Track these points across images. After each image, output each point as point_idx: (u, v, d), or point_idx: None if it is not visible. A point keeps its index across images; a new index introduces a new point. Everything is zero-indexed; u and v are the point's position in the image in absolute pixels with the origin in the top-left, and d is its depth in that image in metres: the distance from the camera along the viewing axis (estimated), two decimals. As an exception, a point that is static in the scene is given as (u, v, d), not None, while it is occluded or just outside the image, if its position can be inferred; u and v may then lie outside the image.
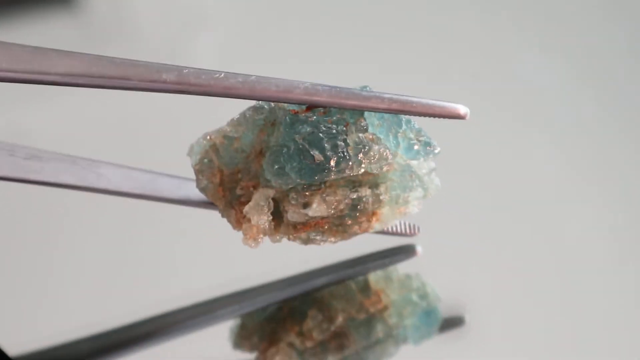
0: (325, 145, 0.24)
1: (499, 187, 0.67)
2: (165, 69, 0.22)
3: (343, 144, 0.25)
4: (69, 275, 0.59)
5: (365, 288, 0.28)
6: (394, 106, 0.24)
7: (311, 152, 0.24)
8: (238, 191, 0.25)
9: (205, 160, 0.25)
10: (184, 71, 0.23)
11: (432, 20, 0.74)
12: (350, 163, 0.24)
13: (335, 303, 0.27)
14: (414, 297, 0.27)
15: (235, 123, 0.26)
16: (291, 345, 0.27)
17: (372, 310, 0.27)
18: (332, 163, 0.24)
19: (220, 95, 0.24)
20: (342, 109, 0.24)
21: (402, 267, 0.28)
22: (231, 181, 0.26)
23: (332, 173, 0.24)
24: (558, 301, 0.64)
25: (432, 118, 0.26)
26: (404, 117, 0.26)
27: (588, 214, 0.68)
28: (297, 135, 0.24)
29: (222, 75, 0.23)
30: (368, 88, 0.25)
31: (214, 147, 0.25)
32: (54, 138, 0.63)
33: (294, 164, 0.24)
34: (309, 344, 0.27)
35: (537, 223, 0.67)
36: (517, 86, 0.72)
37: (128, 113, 0.63)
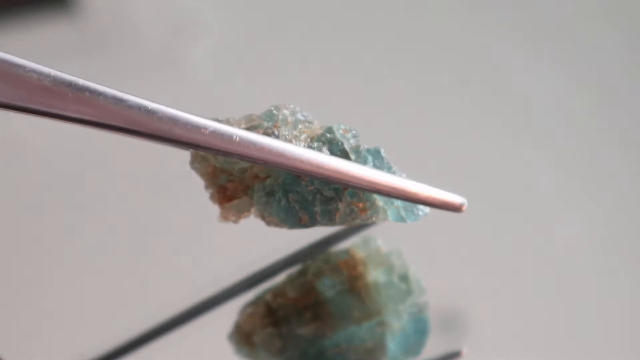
0: (316, 209, 0.25)
1: (492, 190, 0.68)
2: (179, 121, 0.22)
3: (333, 209, 0.25)
4: (69, 284, 0.60)
5: (344, 252, 0.28)
6: (392, 192, 0.24)
7: (299, 214, 0.25)
8: (227, 185, 0.26)
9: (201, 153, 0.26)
10: (203, 130, 0.22)
11: (426, 25, 0.75)
12: (335, 223, 0.25)
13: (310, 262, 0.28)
14: (395, 279, 0.27)
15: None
16: (267, 305, 0.28)
17: (346, 272, 0.27)
18: (317, 220, 0.25)
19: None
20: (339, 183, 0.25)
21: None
22: (223, 178, 0.26)
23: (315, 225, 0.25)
24: (550, 303, 0.64)
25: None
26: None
27: (580, 217, 0.69)
28: (291, 195, 0.25)
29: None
30: (382, 151, 0.25)
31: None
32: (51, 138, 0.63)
33: (281, 214, 0.25)
34: (281, 300, 0.27)
35: (530, 225, 0.67)
36: (511, 91, 0.73)
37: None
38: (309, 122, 0.26)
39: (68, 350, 0.51)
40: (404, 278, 0.28)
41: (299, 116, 0.26)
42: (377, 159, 0.25)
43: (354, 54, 0.72)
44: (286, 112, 0.25)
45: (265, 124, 0.25)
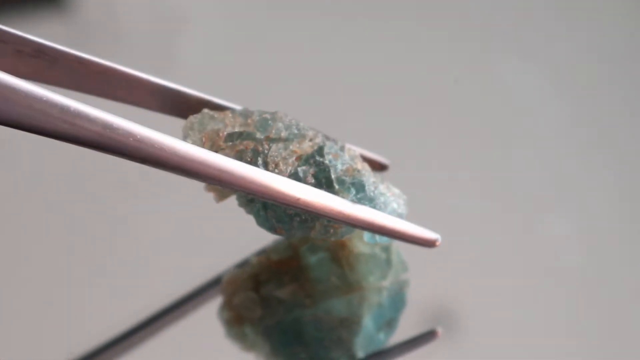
0: (294, 224, 0.25)
1: (482, 189, 0.68)
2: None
3: (309, 227, 0.26)
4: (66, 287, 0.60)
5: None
6: (367, 226, 0.25)
7: (276, 226, 0.26)
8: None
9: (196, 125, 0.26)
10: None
11: (415, 25, 0.75)
12: (310, 236, 0.26)
13: None
14: (377, 250, 0.28)
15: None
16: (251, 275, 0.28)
17: (331, 240, 0.28)
18: (293, 235, 0.25)
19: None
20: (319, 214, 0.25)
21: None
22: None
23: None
24: (542, 301, 0.64)
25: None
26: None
27: (571, 216, 0.69)
28: (269, 211, 0.25)
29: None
30: (366, 185, 0.26)
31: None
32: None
33: (258, 220, 0.25)
34: (264, 263, 0.28)
35: (520, 224, 0.68)
36: (498, 91, 0.73)
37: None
38: (302, 137, 0.26)
39: (58, 349, 0.51)
40: (386, 250, 0.28)
41: (294, 130, 0.26)
42: (360, 192, 0.25)
43: (344, 49, 0.73)
44: (281, 125, 0.25)
45: (258, 135, 0.25)
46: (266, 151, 0.25)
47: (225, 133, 0.25)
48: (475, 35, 0.75)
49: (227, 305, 0.28)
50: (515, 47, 0.75)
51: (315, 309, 0.27)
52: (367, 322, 0.27)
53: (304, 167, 0.25)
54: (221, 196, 0.26)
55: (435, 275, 0.60)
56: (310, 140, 0.26)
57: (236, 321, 0.28)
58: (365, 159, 0.28)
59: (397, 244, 0.28)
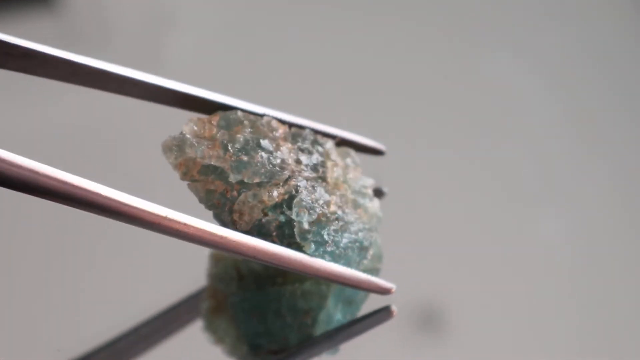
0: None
1: (474, 187, 0.68)
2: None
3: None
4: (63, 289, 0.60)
5: None
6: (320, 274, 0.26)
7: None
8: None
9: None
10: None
11: (408, 24, 0.75)
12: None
13: None
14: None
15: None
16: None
17: None
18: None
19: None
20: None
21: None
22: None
23: None
24: (533, 299, 0.65)
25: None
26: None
27: (563, 214, 0.69)
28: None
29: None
30: (325, 235, 0.26)
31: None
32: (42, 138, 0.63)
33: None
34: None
35: (513, 222, 0.68)
36: (489, 87, 0.73)
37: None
38: (278, 176, 0.26)
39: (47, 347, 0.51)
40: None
41: (273, 162, 0.26)
42: (320, 248, 0.26)
43: (334, 49, 0.73)
44: (260, 162, 0.26)
45: (231, 178, 0.26)
46: (234, 199, 0.25)
47: (201, 164, 0.26)
48: (468, 31, 0.75)
49: (208, 292, 0.29)
50: (508, 44, 0.75)
51: (286, 285, 0.28)
52: (331, 301, 0.28)
53: (269, 217, 0.26)
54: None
55: (423, 275, 0.60)
56: (287, 180, 0.26)
57: (213, 311, 0.28)
58: (361, 146, 0.29)
59: (376, 235, 0.28)
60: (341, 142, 0.28)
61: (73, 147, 0.63)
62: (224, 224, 0.26)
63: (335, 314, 0.28)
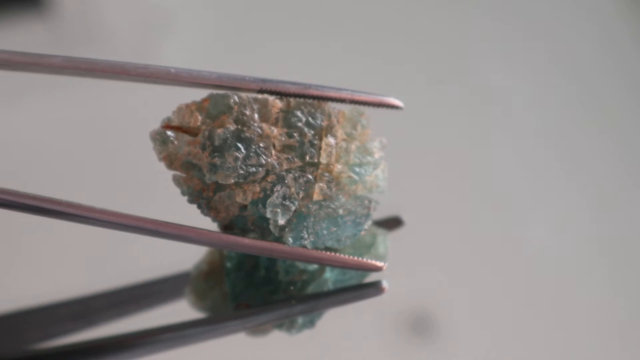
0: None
1: (468, 189, 0.68)
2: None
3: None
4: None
5: None
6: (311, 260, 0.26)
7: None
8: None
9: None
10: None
11: (403, 22, 0.75)
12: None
13: None
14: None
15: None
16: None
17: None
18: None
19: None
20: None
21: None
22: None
23: None
24: (525, 301, 0.65)
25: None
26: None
27: (555, 216, 0.69)
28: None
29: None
30: (304, 239, 0.27)
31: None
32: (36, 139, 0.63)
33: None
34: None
35: (505, 225, 0.68)
36: (487, 90, 0.73)
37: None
38: (251, 183, 0.26)
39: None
40: (373, 236, 0.28)
41: (251, 155, 0.26)
42: (297, 241, 0.26)
43: (329, 47, 0.73)
44: (235, 158, 0.26)
45: (206, 178, 0.26)
46: (209, 197, 0.26)
47: (182, 160, 0.26)
48: (460, 36, 0.75)
49: (205, 259, 0.29)
50: (499, 49, 0.76)
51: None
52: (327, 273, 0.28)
53: (247, 212, 0.26)
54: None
55: (415, 280, 0.60)
56: (264, 177, 0.26)
57: (205, 275, 0.29)
58: (377, 103, 0.29)
59: (384, 237, 0.28)
60: (353, 102, 0.28)
61: (72, 147, 0.63)
62: (205, 215, 0.27)
63: (328, 280, 0.28)
